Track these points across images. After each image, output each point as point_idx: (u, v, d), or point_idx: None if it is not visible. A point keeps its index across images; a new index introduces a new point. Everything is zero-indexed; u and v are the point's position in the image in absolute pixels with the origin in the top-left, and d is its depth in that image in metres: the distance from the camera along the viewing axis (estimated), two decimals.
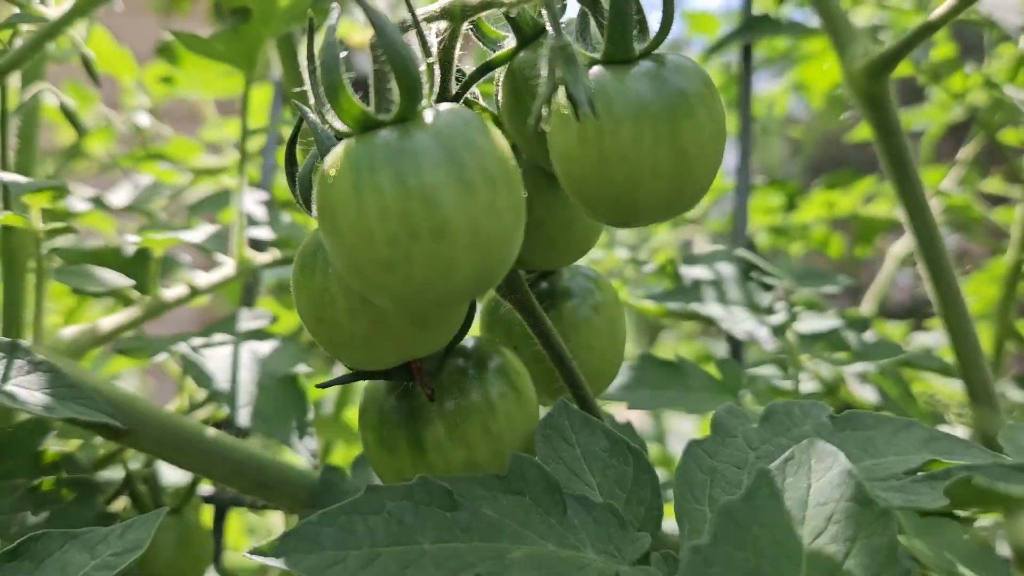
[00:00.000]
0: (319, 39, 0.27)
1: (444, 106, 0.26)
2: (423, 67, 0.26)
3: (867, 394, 0.62)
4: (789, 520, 0.24)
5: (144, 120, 0.77)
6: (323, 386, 0.33)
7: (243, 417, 0.47)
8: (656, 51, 0.29)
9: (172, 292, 0.52)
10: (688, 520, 0.31)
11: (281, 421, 0.48)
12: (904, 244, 1.01)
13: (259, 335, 0.55)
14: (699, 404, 0.48)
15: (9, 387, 0.38)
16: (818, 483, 0.25)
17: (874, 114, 0.49)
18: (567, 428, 0.34)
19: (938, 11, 0.43)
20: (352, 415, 0.83)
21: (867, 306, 1.01)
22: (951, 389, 0.74)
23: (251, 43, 0.52)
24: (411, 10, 0.27)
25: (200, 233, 0.53)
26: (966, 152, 1.03)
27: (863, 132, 0.97)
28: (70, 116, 0.55)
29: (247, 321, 0.56)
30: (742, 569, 0.23)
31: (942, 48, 1.00)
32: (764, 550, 0.24)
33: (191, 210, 0.63)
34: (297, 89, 0.29)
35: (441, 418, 0.33)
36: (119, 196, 0.68)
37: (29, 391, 0.38)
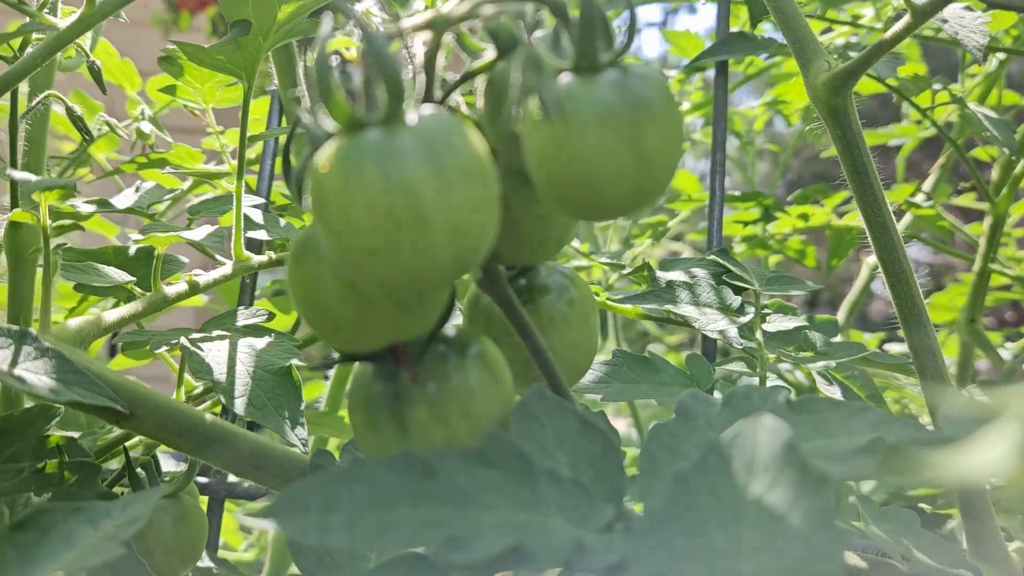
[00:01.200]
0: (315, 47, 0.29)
1: (425, 109, 0.29)
2: (408, 74, 0.29)
3: (836, 394, 0.65)
4: (735, 484, 0.27)
5: (147, 128, 0.80)
6: (313, 368, 0.36)
7: (239, 406, 0.50)
8: (622, 60, 0.32)
9: (173, 288, 0.55)
10: (650, 495, 0.34)
11: (275, 411, 0.50)
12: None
13: (256, 331, 0.57)
14: (670, 397, 0.51)
15: (18, 371, 0.40)
16: (763, 453, 0.28)
17: (836, 126, 0.52)
18: (541, 411, 0.37)
19: (892, 31, 0.47)
20: (346, 414, 0.86)
21: (841, 314, 1.04)
22: (919, 393, 0.77)
23: (250, 55, 0.55)
24: (395, 22, 0.29)
25: (201, 232, 0.56)
26: (936, 167, 1.07)
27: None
28: (77, 123, 0.58)
29: (244, 318, 0.59)
30: (692, 527, 0.26)
31: (912, 66, 1.04)
32: (711, 510, 0.26)
33: (191, 212, 0.66)
34: (293, 94, 0.31)
35: (423, 400, 0.36)
36: (122, 199, 0.71)
37: (36, 375, 0.41)
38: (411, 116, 0.28)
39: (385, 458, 0.30)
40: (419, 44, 0.32)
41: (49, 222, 0.46)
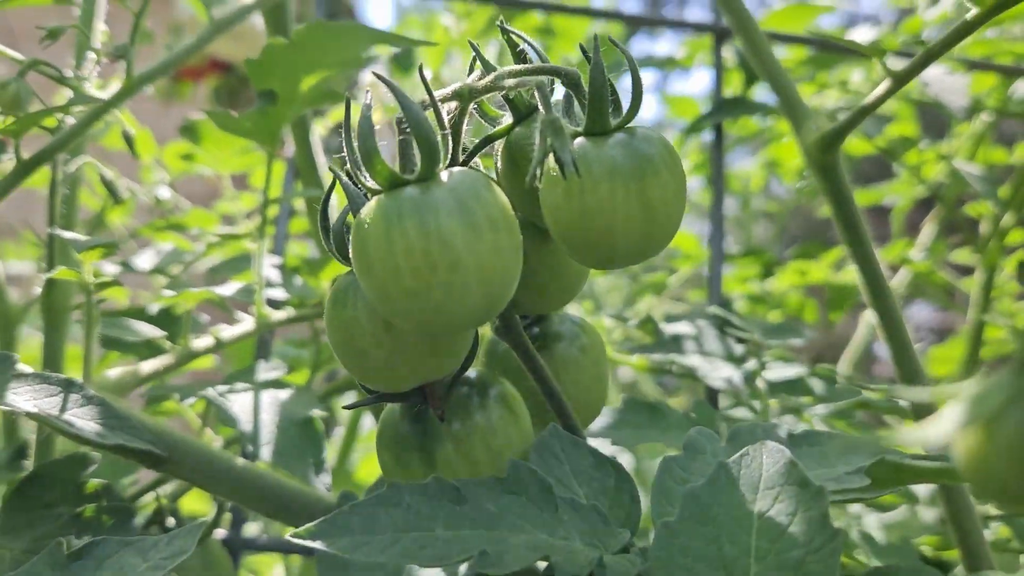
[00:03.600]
0: (355, 113, 0.33)
1: (456, 168, 0.32)
2: (439, 138, 0.32)
3: None
4: (743, 500, 0.29)
5: (165, 193, 0.84)
6: (349, 407, 0.39)
7: (266, 453, 0.52)
8: (629, 125, 0.35)
9: (200, 343, 0.58)
10: (663, 516, 0.36)
11: (299, 458, 0.53)
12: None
13: (277, 384, 0.60)
14: (676, 440, 0.53)
15: (67, 416, 0.43)
16: (767, 472, 0.30)
17: (827, 183, 0.56)
18: (557, 447, 0.39)
19: (873, 94, 0.50)
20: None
21: (843, 367, 1.06)
22: None
23: (275, 122, 0.59)
24: (429, 92, 0.33)
25: (230, 288, 0.59)
26: (929, 223, 1.10)
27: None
28: (109, 187, 0.61)
29: (264, 372, 0.62)
30: (704, 538, 0.28)
31: (904, 126, 1.08)
32: (722, 523, 0.29)
33: (211, 272, 0.69)
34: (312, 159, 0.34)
35: (450, 437, 0.38)
36: (144, 260, 0.74)
37: (83, 420, 0.43)
38: (443, 174, 0.32)
39: (418, 484, 0.33)
40: (445, 112, 0.35)
41: (92, 279, 0.49)
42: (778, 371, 0.62)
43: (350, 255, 0.33)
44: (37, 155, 0.52)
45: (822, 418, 0.59)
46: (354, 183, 0.34)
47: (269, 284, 0.71)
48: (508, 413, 0.39)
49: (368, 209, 0.31)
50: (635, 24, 0.95)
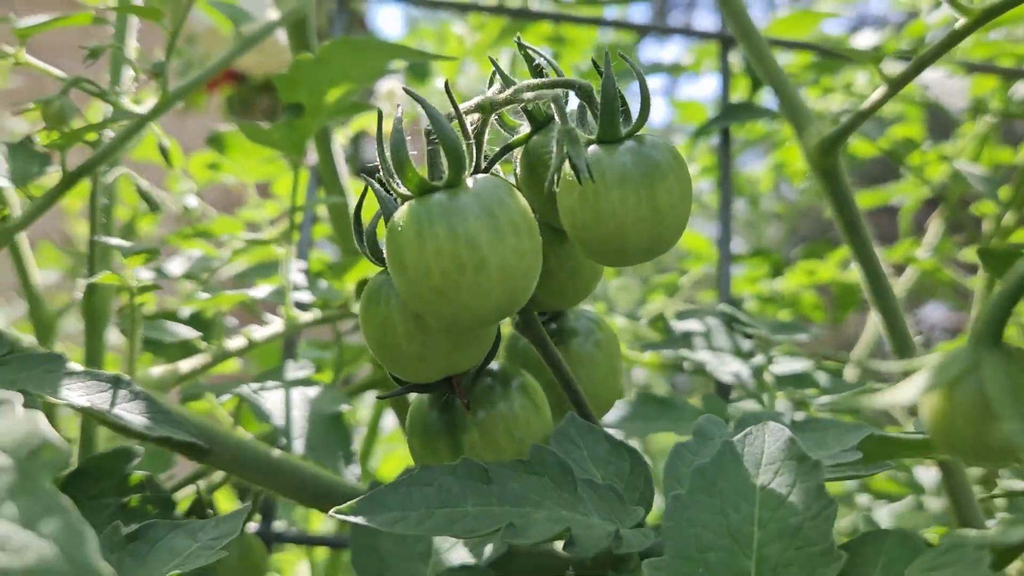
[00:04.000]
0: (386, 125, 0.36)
1: (481, 175, 0.35)
2: (464, 147, 0.35)
3: None
4: (746, 474, 0.32)
5: (193, 202, 0.87)
6: (381, 397, 0.42)
7: (298, 447, 0.55)
8: (638, 133, 0.38)
9: (234, 343, 0.61)
10: (674, 492, 0.39)
11: (329, 451, 0.56)
12: None
13: (306, 382, 0.63)
14: (686, 430, 0.56)
15: (116, 410, 0.46)
16: (768, 449, 0.33)
17: (829, 185, 0.59)
18: (575, 434, 0.42)
19: (870, 99, 0.53)
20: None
21: (851, 370, 1.09)
22: None
23: (302, 133, 0.62)
24: (454, 106, 0.36)
25: (262, 291, 0.62)
26: (934, 222, 1.13)
27: None
28: (145, 197, 0.65)
29: (293, 371, 0.65)
30: (711, 508, 0.31)
31: (911, 128, 1.11)
32: (728, 495, 0.32)
33: (240, 277, 0.72)
34: (369, 165, 0.38)
35: (475, 425, 0.41)
36: (176, 266, 0.78)
37: (131, 414, 0.47)
38: (468, 181, 0.35)
39: (448, 466, 0.36)
40: (469, 123, 0.38)
41: (136, 283, 0.52)
42: (785, 365, 0.64)
43: (384, 256, 0.36)
44: (81, 167, 0.55)
45: (826, 409, 0.62)
46: (385, 190, 0.37)
47: (295, 287, 0.74)
48: (529, 402, 0.42)
49: (401, 213, 0.34)
50: (643, 31, 0.98)
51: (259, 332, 0.63)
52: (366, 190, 0.39)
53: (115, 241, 0.50)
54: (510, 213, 0.34)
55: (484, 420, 0.41)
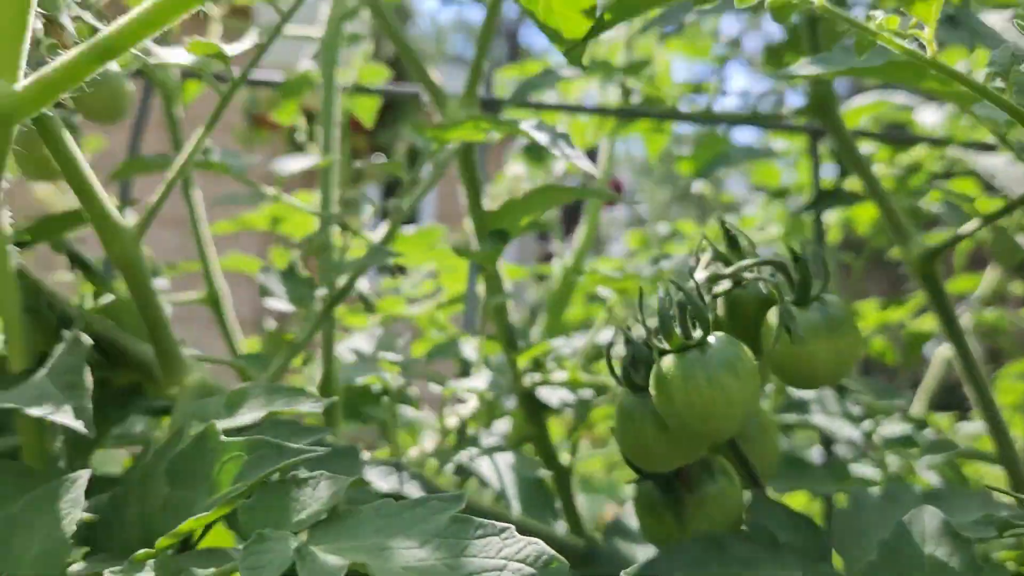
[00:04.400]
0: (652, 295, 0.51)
1: (718, 335, 0.50)
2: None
3: (931, 478, 0.85)
4: (918, 547, 0.47)
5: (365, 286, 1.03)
6: (630, 482, 0.57)
7: (516, 507, 0.70)
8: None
9: (449, 420, 0.76)
10: (846, 554, 0.54)
11: (540, 509, 0.71)
12: (945, 349, 1.24)
13: (499, 449, 0.79)
14: (822, 487, 0.71)
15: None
16: (929, 527, 0.48)
17: (928, 287, 0.73)
18: (763, 508, 0.57)
19: (965, 228, 0.68)
20: None
21: (920, 402, 1.23)
22: (996, 471, 0.96)
23: (499, 251, 0.77)
24: (695, 281, 0.51)
25: (478, 381, 0.78)
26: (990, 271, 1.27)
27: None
28: (364, 300, 0.81)
29: (486, 438, 0.80)
30: (896, 570, 0.46)
31: (965, 183, 1.25)
32: (905, 563, 0.46)
33: (429, 356, 0.88)
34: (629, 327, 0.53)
35: (692, 502, 0.56)
36: (364, 343, 0.93)
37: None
38: (711, 339, 0.50)
39: (694, 541, 0.51)
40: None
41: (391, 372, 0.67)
42: (891, 428, 0.79)
43: (648, 389, 0.51)
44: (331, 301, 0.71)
45: (928, 465, 0.76)
46: (644, 343, 0.52)
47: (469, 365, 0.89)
48: (730, 483, 0.57)
49: (669, 365, 0.49)
50: (736, 123, 1.13)
51: (465, 409, 0.79)
52: (628, 341, 0.54)
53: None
54: (744, 364, 0.49)
55: (701, 497, 0.56)
